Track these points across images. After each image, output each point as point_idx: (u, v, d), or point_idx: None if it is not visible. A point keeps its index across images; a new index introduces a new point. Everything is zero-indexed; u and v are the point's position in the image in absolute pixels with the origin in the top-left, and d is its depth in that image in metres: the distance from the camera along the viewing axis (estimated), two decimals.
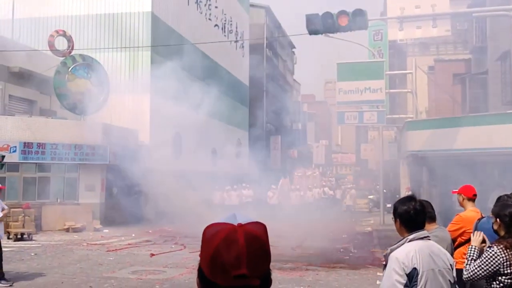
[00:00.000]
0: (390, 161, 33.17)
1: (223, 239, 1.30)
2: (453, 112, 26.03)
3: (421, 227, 3.38)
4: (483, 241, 3.99)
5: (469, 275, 3.86)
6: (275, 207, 30.52)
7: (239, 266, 1.27)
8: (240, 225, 1.32)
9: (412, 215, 3.35)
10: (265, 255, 1.33)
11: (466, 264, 3.91)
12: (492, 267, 3.72)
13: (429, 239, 3.39)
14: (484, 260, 3.75)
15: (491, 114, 19.93)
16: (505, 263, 3.69)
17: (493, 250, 3.73)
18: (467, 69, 27.30)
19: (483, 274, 3.77)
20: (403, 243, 3.32)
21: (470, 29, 25.86)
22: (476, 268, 3.80)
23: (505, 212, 3.91)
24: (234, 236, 1.29)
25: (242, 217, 1.36)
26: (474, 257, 3.92)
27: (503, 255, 3.69)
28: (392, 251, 3.33)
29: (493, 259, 3.71)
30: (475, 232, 4.13)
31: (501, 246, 3.73)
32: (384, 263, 3.43)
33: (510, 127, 16.93)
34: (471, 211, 5.81)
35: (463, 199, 5.94)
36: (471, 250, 3.97)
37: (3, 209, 9.47)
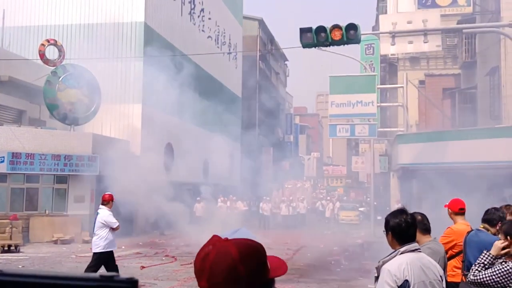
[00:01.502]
0: (381, 174, 33.30)
1: (201, 249, 1.36)
2: (442, 126, 26.22)
3: (412, 239, 3.42)
4: (504, 248, 3.98)
5: (475, 279, 3.90)
6: (268, 218, 30.62)
7: (201, 278, 1.32)
8: (225, 240, 1.33)
9: (404, 228, 3.39)
10: (232, 274, 1.28)
11: (476, 270, 3.93)
12: (503, 281, 3.76)
13: (420, 251, 3.43)
14: (497, 273, 3.78)
15: (480, 128, 20.10)
16: None
17: (508, 266, 3.77)
18: (457, 84, 27.54)
19: (491, 284, 3.81)
20: (395, 256, 3.36)
21: (460, 44, 26.15)
22: (486, 277, 3.83)
23: None
24: (208, 249, 1.33)
25: (241, 234, 1.37)
26: (486, 264, 3.93)
27: None
28: (384, 263, 3.37)
29: (507, 274, 3.74)
30: (496, 242, 4.08)
31: None
32: (376, 275, 3.45)
33: (498, 141, 17.07)
34: (462, 224, 5.85)
35: (451, 213, 5.99)
36: (485, 257, 3.97)
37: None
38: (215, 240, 1.34)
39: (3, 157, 19.36)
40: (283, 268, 1.42)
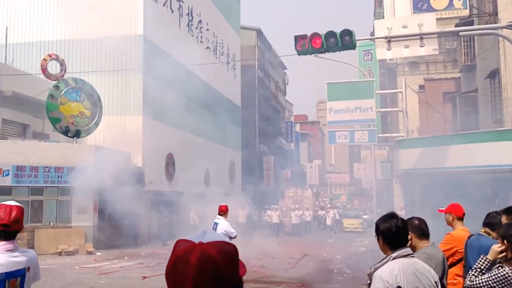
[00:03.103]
0: (384, 180, 33.26)
1: (178, 257, 1.31)
2: (444, 130, 26.16)
3: (403, 244, 3.35)
4: (501, 252, 3.91)
5: (472, 285, 3.85)
6: (277, 225, 30.84)
7: (184, 286, 1.27)
8: (200, 244, 1.30)
9: (394, 233, 3.32)
10: (218, 277, 1.28)
11: (472, 275, 3.90)
12: (499, 287, 3.68)
13: (413, 257, 3.38)
14: (494, 278, 3.70)
15: (482, 132, 20.04)
16: None
17: (504, 270, 3.68)
18: (457, 88, 27.50)
19: None
20: (387, 261, 3.29)
21: (459, 48, 26.16)
22: (482, 282, 3.76)
23: (511, 232, 3.88)
24: (188, 255, 1.29)
25: (211, 236, 1.34)
26: (483, 269, 3.90)
27: None
28: (375, 269, 3.30)
29: (504, 279, 3.66)
30: (493, 246, 4.06)
31: None
32: (368, 282, 3.41)
33: (501, 145, 17.02)
34: (461, 230, 5.69)
35: (453, 219, 5.84)
36: (482, 261, 3.95)
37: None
38: (190, 246, 1.30)
39: (8, 170, 19.53)
40: (244, 268, 1.39)
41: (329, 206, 40.06)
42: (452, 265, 5.51)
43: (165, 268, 1.38)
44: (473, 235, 5.30)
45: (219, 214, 10.08)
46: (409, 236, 4.01)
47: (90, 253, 19.79)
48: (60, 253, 19.32)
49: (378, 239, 3.42)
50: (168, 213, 24.79)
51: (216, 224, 10.01)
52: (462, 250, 5.40)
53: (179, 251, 1.32)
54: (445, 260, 4.66)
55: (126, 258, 18.53)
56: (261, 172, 46.27)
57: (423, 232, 4.55)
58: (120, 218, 20.78)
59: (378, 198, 29.32)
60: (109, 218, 21.54)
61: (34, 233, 19.77)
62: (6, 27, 25.40)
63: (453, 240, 5.64)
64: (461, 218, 5.80)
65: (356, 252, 21.60)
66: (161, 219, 24.58)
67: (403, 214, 17.05)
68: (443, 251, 5.30)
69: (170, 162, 27.75)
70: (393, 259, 3.28)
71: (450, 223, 5.88)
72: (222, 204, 10.43)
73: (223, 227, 9.85)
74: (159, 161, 26.60)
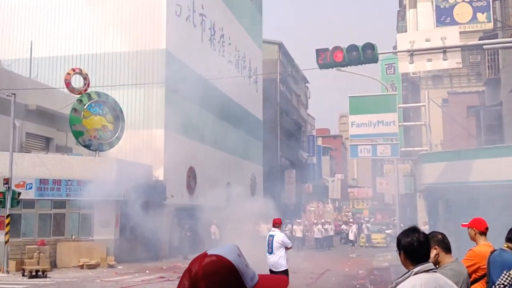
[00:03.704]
0: (407, 195, 32.81)
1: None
2: (468, 144, 25.76)
3: (425, 259, 3.29)
4: None
5: None
6: (300, 240, 30.75)
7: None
8: (202, 256, 1.35)
9: (416, 247, 3.25)
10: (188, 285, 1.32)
11: None
12: None
13: (435, 272, 3.32)
14: None
15: (506, 146, 19.67)
16: None
17: None
18: (481, 101, 27.14)
19: None
20: (408, 276, 3.24)
21: (483, 61, 25.85)
22: None
23: None
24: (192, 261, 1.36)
25: (223, 250, 1.36)
26: (506, 285, 3.82)
27: None
28: (397, 284, 3.24)
29: None
30: None
31: None
32: None
33: None
34: (484, 246, 5.60)
35: (475, 233, 5.75)
36: (505, 277, 3.86)
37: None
38: (201, 255, 1.36)
39: (31, 183, 19.78)
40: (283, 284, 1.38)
41: (351, 220, 39.68)
42: (475, 281, 5.42)
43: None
44: (495, 250, 5.20)
45: (274, 227, 10.50)
46: (435, 251, 3.94)
47: (111, 266, 19.86)
48: (81, 267, 19.42)
49: (399, 254, 3.37)
50: (189, 227, 24.80)
51: (272, 236, 10.35)
52: (485, 267, 5.32)
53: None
54: (468, 276, 4.56)
55: (147, 271, 18.55)
56: (282, 186, 46.11)
57: (447, 246, 4.48)
58: (141, 231, 20.87)
59: (401, 212, 28.92)
60: (130, 232, 21.63)
61: (56, 246, 19.94)
62: (31, 41, 25.95)
63: (475, 256, 5.54)
64: (484, 233, 5.69)
65: (378, 267, 21.27)
66: (182, 233, 24.60)
67: (426, 229, 16.73)
68: (466, 267, 5.20)
69: (191, 176, 27.84)
70: (415, 274, 3.22)
71: (472, 238, 5.79)
72: (276, 217, 10.91)
73: (280, 238, 10.27)
74: (181, 175, 26.71)
